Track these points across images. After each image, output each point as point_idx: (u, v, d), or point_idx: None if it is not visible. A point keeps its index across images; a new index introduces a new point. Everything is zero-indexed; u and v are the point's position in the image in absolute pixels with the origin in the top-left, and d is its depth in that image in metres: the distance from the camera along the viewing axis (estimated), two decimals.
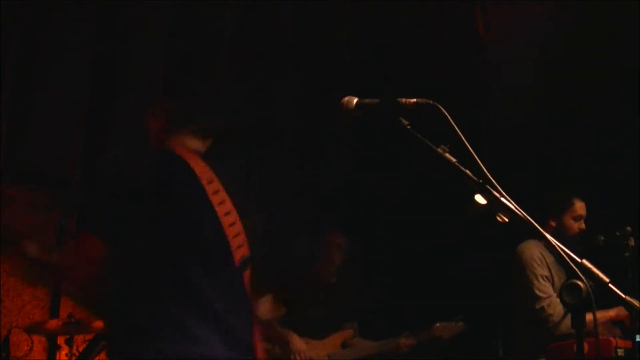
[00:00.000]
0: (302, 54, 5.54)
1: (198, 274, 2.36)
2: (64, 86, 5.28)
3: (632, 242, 3.77)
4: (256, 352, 2.48)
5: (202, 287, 2.36)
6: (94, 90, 5.41)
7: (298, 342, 4.95)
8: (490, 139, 5.39)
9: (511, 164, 5.06)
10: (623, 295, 1.85)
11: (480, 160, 1.94)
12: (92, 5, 5.36)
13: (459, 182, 1.98)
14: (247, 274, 2.55)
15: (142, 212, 2.33)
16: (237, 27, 5.42)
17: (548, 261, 4.11)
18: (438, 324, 4.98)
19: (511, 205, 1.94)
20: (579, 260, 1.89)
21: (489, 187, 1.95)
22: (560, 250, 1.90)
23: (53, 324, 4.42)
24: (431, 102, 2.03)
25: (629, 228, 3.80)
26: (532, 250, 4.13)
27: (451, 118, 1.97)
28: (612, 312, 3.88)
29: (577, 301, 1.88)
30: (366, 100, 2.14)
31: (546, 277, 4.08)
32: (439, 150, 2.00)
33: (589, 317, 1.91)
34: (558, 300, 3.95)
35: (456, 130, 1.96)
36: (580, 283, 1.87)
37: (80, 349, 4.97)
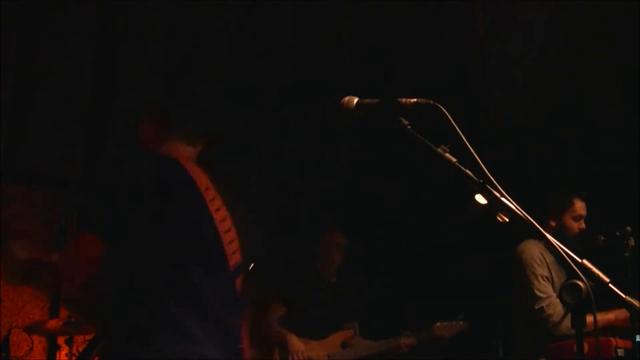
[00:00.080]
0: (302, 54, 5.54)
1: (198, 274, 2.37)
2: (64, 86, 5.28)
3: (632, 242, 3.77)
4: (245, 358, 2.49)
5: (201, 287, 2.36)
6: (94, 90, 5.41)
7: (297, 343, 4.95)
8: (490, 139, 5.39)
9: (511, 164, 5.06)
10: (623, 295, 1.85)
11: (481, 160, 1.94)
12: (92, 5, 5.36)
13: (459, 182, 1.98)
14: (239, 280, 2.56)
15: (142, 212, 2.33)
16: (237, 27, 5.42)
17: (548, 261, 4.11)
18: (438, 324, 4.98)
19: (511, 205, 1.94)
20: (579, 260, 1.89)
21: (489, 187, 1.95)
22: (561, 250, 1.90)
23: (53, 324, 4.42)
24: (431, 102, 2.03)
25: (629, 228, 3.80)
26: (532, 250, 4.13)
27: (451, 118, 1.97)
28: (611, 316, 3.88)
29: (577, 301, 1.88)
30: (366, 100, 2.14)
31: (546, 277, 4.07)
32: (439, 150, 2.00)
33: (589, 318, 1.91)
34: (558, 300, 3.95)
35: (457, 130, 1.96)
36: (580, 283, 1.87)
37: (80, 349, 4.97)
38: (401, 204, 5.84)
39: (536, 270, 4.07)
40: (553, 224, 4.17)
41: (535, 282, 4.05)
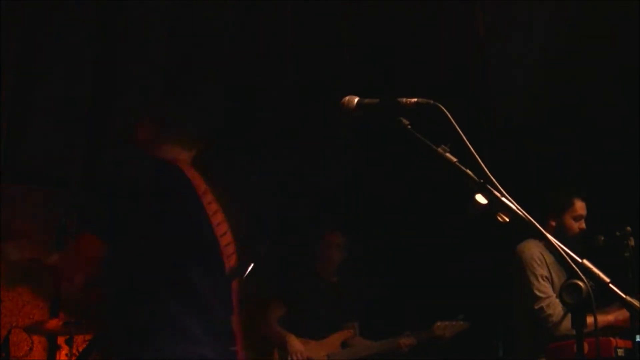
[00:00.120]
0: (302, 54, 5.54)
1: (198, 274, 2.37)
2: (64, 86, 5.28)
3: (632, 242, 3.77)
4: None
5: (201, 287, 2.36)
6: (94, 90, 5.41)
7: (296, 343, 4.96)
8: (490, 139, 5.39)
9: (511, 164, 5.06)
10: (623, 295, 1.85)
11: (481, 160, 1.94)
12: (92, 5, 5.36)
13: (459, 182, 1.98)
14: (235, 284, 2.56)
15: (142, 212, 2.33)
16: (237, 27, 5.42)
17: (548, 261, 4.11)
18: (439, 323, 4.98)
19: (512, 205, 1.94)
20: (579, 260, 1.89)
21: (489, 186, 1.95)
22: (561, 250, 1.90)
23: (53, 324, 4.41)
24: (432, 101, 2.03)
25: (629, 228, 3.80)
26: (531, 250, 4.13)
27: (451, 118, 1.97)
28: (610, 317, 3.88)
29: (577, 301, 1.88)
30: (366, 100, 2.14)
31: (546, 277, 4.07)
32: (440, 150, 2.00)
33: (589, 319, 1.91)
34: (558, 300, 3.95)
35: (457, 130, 1.96)
36: (580, 283, 1.87)
37: (80, 349, 4.97)
38: (401, 204, 5.83)
39: (536, 270, 4.07)
40: (553, 223, 4.17)
41: (535, 282, 4.05)
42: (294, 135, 5.66)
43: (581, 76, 5.14)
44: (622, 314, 3.84)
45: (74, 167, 5.29)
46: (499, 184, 1.94)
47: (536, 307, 4.00)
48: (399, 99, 2.08)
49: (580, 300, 1.87)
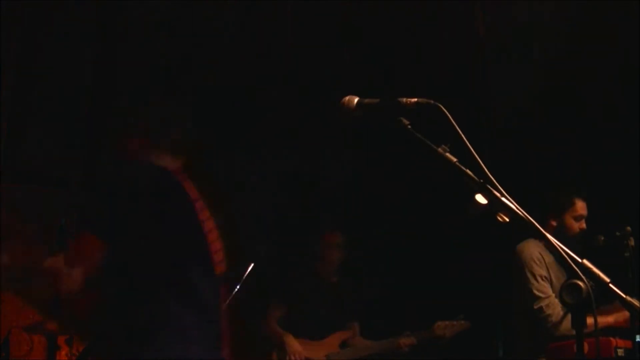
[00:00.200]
0: (302, 54, 5.54)
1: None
2: (64, 86, 5.28)
3: (632, 242, 3.77)
4: None
5: (201, 287, 2.37)
6: (94, 90, 5.40)
7: (294, 344, 4.96)
8: (490, 139, 5.39)
9: (511, 164, 5.06)
10: (623, 295, 1.85)
11: (481, 160, 1.94)
12: (92, 5, 5.36)
13: (459, 182, 1.98)
14: (223, 289, 2.57)
15: (142, 212, 2.33)
16: (237, 27, 5.42)
17: (547, 261, 4.11)
18: (439, 323, 4.98)
19: (512, 205, 1.94)
20: (579, 260, 1.89)
21: (489, 186, 1.95)
22: (561, 250, 1.89)
23: (53, 324, 4.41)
24: (432, 101, 2.03)
25: (629, 228, 3.80)
26: (531, 250, 4.13)
27: (451, 118, 1.97)
28: (610, 318, 3.88)
29: (577, 301, 1.88)
30: (366, 100, 2.15)
31: (545, 277, 4.07)
32: (440, 150, 2.00)
33: (589, 319, 1.91)
34: (557, 300, 3.95)
35: (457, 130, 1.96)
36: (580, 283, 1.87)
37: (80, 349, 4.97)
38: (401, 204, 5.83)
39: (535, 270, 4.07)
40: (554, 223, 4.17)
41: (534, 282, 4.05)
42: (294, 135, 5.66)
43: (581, 76, 5.14)
44: (622, 315, 3.84)
45: (74, 167, 5.28)
46: (499, 184, 1.94)
47: (535, 307, 4.00)
48: (399, 99, 2.08)
49: (580, 300, 1.87)
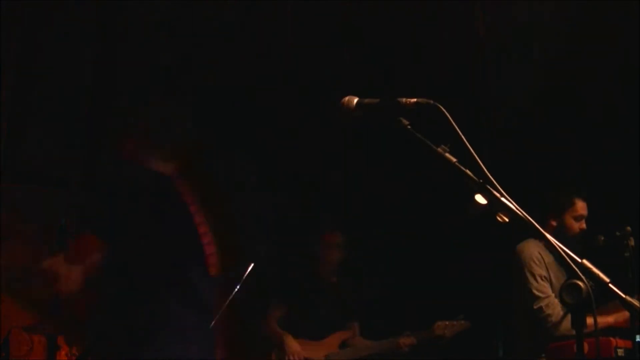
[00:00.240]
0: (302, 54, 5.54)
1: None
2: (64, 86, 5.28)
3: (632, 242, 3.77)
4: None
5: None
6: (94, 90, 5.41)
7: (293, 344, 4.97)
8: (490, 139, 5.39)
9: (511, 164, 5.06)
10: (623, 295, 1.85)
11: (481, 160, 1.94)
12: (92, 5, 5.36)
13: (459, 182, 1.98)
14: (219, 291, 2.59)
15: (142, 212, 2.34)
16: (237, 27, 5.42)
17: (546, 261, 4.11)
18: (439, 323, 4.97)
19: (511, 205, 1.94)
20: (579, 260, 1.89)
21: (489, 186, 1.95)
22: (561, 250, 1.90)
23: (52, 324, 4.41)
24: (432, 102, 2.04)
25: (629, 228, 3.80)
26: (530, 250, 4.13)
27: (451, 118, 1.97)
28: (610, 319, 3.88)
29: (577, 301, 1.88)
30: (366, 100, 2.15)
31: (544, 277, 4.07)
32: (439, 150, 2.01)
33: (589, 320, 1.91)
34: (557, 300, 3.95)
35: (457, 130, 1.96)
36: (580, 283, 1.87)
37: (80, 349, 4.97)
38: (401, 204, 5.83)
39: (534, 270, 4.08)
40: (554, 223, 4.17)
41: (534, 282, 4.05)
42: (294, 135, 5.66)
43: (581, 76, 5.14)
44: (622, 315, 3.84)
45: (74, 167, 5.28)
46: (499, 184, 1.95)
47: (535, 307, 4.00)
48: (399, 99, 2.08)
49: (580, 300, 1.87)
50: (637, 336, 3.76)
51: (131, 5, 5.36)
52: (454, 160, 1.99)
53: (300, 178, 5.86)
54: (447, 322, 4.97)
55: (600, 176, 4.87)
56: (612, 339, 3.77)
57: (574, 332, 1.94)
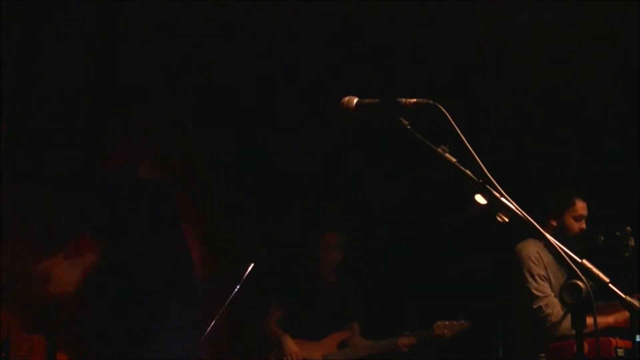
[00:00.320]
0: (302, 53, 5.54)
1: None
2: (64, 86, 5.28)
3: (632, 242, 3.78)
4: None
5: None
6: (94, 90, 5.40)
7: (291, 344, 4.98)
8: (490, 139, 5.39)
9: (511, 164, 5.06)
10: (623, 295, 1.85)
11: (480, 160, 1.94)
12: (92, 5, 5.35)
13: (459, 182, 1.98)
14: (210, 294, 2.60)
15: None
16: (237, 27, 5.42)
17: (545, 261, 4.12)
18: (438, 323, 4.98)
19: (511, 205, 1.94)
20: (579, 260, 1.89)
21: (489, 187, 1.95)
22: (561, 250, 1.90)
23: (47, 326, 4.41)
24: (431, 102, 2.04)
25: (629, 228, 3.80)
26: (529, 250, 4.14)
27: (451, 118, 1.97)
28: (610, 319, 3.88)
29: (577, 301, 1.88)
30: (366, 100, 2.15)
31: (543, 276, 4.08)
32: (439, 150, 2.01)
33: (589, 319, 1.91)
34: (556, 300, 3.96)
35: (456, 130, 1.96)
36: (580, 283, 1.87)
37: (71, 351, 4.97)
38: (401, 204, 5.83)
39: (533, 269, 4.08)
40: (554, 223, 4.18)
41: (532, 282, 4.05)
42: (294, 135, 5.65)
43: (581, 76, 5.14)
44: (622, 315, 3.84)
45: (74, 167, 5.28)
46: (499, 184, 1.95)
47: (535, 307, 4.00)
48: (399, 99, 2.08)
49: (580, 300, 1.87)
50: (637, 336, 3.76)
51: (131, 5, 5.36)
52: (454, 160, 1.99)
53: (300, 178, 5.86)
54: (446, 322, 4.97)
55: (600, 176, 4.87)
56: (612, 339, 3.77)
57: (573, 332, 1.94)
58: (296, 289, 5.22)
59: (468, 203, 4.47)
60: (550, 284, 4.07)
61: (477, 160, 1.95)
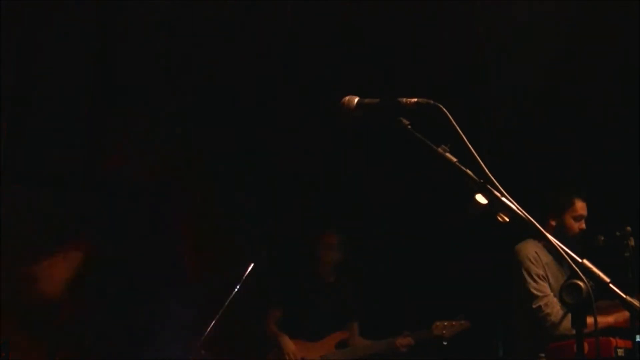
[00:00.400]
0: (302, 53, 5.54)
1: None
2: (64, 86, 5.28)
3: (632, 242, 3.77)
4: None
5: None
6: (94, 90, 5.40)
7: (289, 344, 4.98)
8: (490, 139, 5.39)
9: (511, 164, 5.06)
10: (623, 295, 1.85)
11: (481, 160, 1.94)
12: (92, 4, 5.35)
13: (459, 182, 1.98)
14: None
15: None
16: (237, 27, 5.42)
17: (544, 261, 4.12)
18: (437, 323, 4.97)
19: (512, 204, 1.94)
20: (579, 260, 1.89)
21: (489, 186, 1.95)
22: (561, 250, 1.90)
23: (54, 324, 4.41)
24: (432, 102, 2.04)
25: (629, 228, 3.80)
26: (527, 250, 4.14)
27: (451, 118, 1.97)
28: (610, 319, 3.88)
29: (578, 301, 1.88)
30: (366, 100, 2.15)
31: (542, 276, 4.08)
32: (440, 150, 2.01)
33: (589, 319, 1.91)
34: (556, 300, 3.96)
35: (457, 130, 1.96)
36: (580, 283, 1.87)
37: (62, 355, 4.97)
38: (401, 204, 5.83)
39: (531, 269, 4.08)
40: (554, 223, 4.18)
41: (531, 282, 4.05)
42: (294, 135, 5.65)
43: (581, 76, 5.14)
44: (622, 315, 3.84)
45: (74, 167, 5.28)
46: (499, 184, 1.95)
47: (534, 307, 4.00)
48: (399, 99, 2.08)
49: (580, 300, 1.87)
50: (637, 336, 3.76)
51: (131, 5, 5.36)
52: (454, 160, 1.99)
53: (300, 178, 5.86)
54: (445, 322, 4.97)
55: (600, 176, 4.87)
56: (612, 339, 3.77)
57: (573, 332, 1.94)
58: (296, 289, 5.22)
59: (468, 203, 4.46)
60: (549, 284, 4.07)
61: (477, 160, 1.94)
